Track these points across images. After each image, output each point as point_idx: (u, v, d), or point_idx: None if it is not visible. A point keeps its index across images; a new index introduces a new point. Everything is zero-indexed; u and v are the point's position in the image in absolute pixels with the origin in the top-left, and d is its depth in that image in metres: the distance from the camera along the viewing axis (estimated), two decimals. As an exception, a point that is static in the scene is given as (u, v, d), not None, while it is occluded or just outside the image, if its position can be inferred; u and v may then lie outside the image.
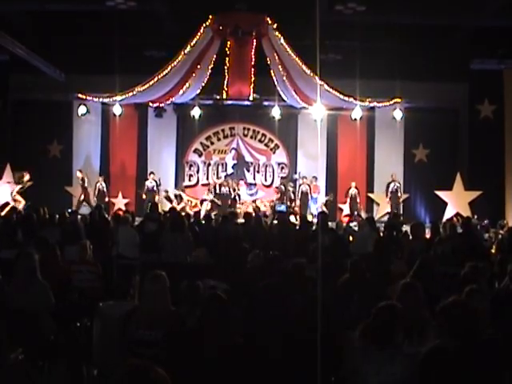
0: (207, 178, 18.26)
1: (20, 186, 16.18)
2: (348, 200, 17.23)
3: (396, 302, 3.88)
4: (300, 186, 17.23)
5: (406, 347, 3.59)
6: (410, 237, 9.14)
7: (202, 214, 14.32)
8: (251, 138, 18.37)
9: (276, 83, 16.28)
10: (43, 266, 5.57)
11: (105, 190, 16.93)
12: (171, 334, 3.70)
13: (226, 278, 5.80)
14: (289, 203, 16.89)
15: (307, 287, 4.91)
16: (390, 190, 17.05)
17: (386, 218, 15.55)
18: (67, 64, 16.23)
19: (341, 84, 15.76)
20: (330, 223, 11.08)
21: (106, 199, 16.83)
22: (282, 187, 17.30)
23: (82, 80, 16.63)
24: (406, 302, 3.94)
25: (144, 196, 16.86)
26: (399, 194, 17.00)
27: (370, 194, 17.88)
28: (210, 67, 16.13)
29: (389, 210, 16.72)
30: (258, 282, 5.12)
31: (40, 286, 5.32)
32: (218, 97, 16.94)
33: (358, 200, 17.18)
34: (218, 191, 17.19)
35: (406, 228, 12.28)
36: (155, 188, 16.89)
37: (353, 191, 17.17)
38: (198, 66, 16.05)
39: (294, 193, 17.20)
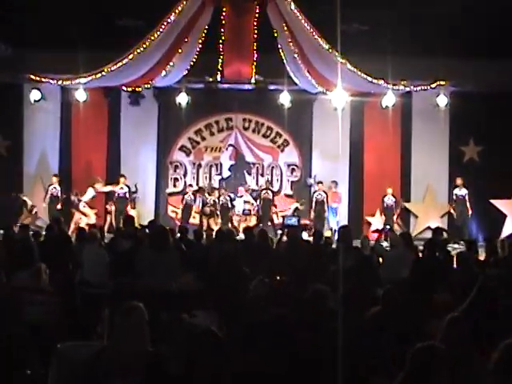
0: (197, 184, 18.30)
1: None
2: (379, 211, 17.28)
3: (441, 340, 3.94)
4: (315, 193, 17.29)
5: None
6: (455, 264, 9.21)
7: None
8: (253, 131, 18.43)
9: (285, 62, 16.33)
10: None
11: (59, 194, 16.92)
12: (150, 382, 3.70)
13: (218, 310, 5.82)
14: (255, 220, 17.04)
15: (325, 322, 4.95)
16: (455, 197, 17.00)
17: (427, 235, 15.54)
18: (16, 36, 16.20)
19: (368, 62, 15.79)
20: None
21: (59, 206, 16.80)
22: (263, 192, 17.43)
23: (35, 57, 16.66)
24: (453, 340, 3.99)
25: (113, 206, 16.92)
26: (468, 205, 16.83)
27: (405, 204, 17.88)
28: (200, 41, 16.19)
29: (430, 225, 16.70)
30: (261, 315, 5.14)
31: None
32: (210, 79, 17.01)
33: (395, 212, 17.24)
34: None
35: (452, 248, 12.34)
36: (127, 195, 16.99)
37: (389, 200, 17.22)
38: (186, 40, 16.12)
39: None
